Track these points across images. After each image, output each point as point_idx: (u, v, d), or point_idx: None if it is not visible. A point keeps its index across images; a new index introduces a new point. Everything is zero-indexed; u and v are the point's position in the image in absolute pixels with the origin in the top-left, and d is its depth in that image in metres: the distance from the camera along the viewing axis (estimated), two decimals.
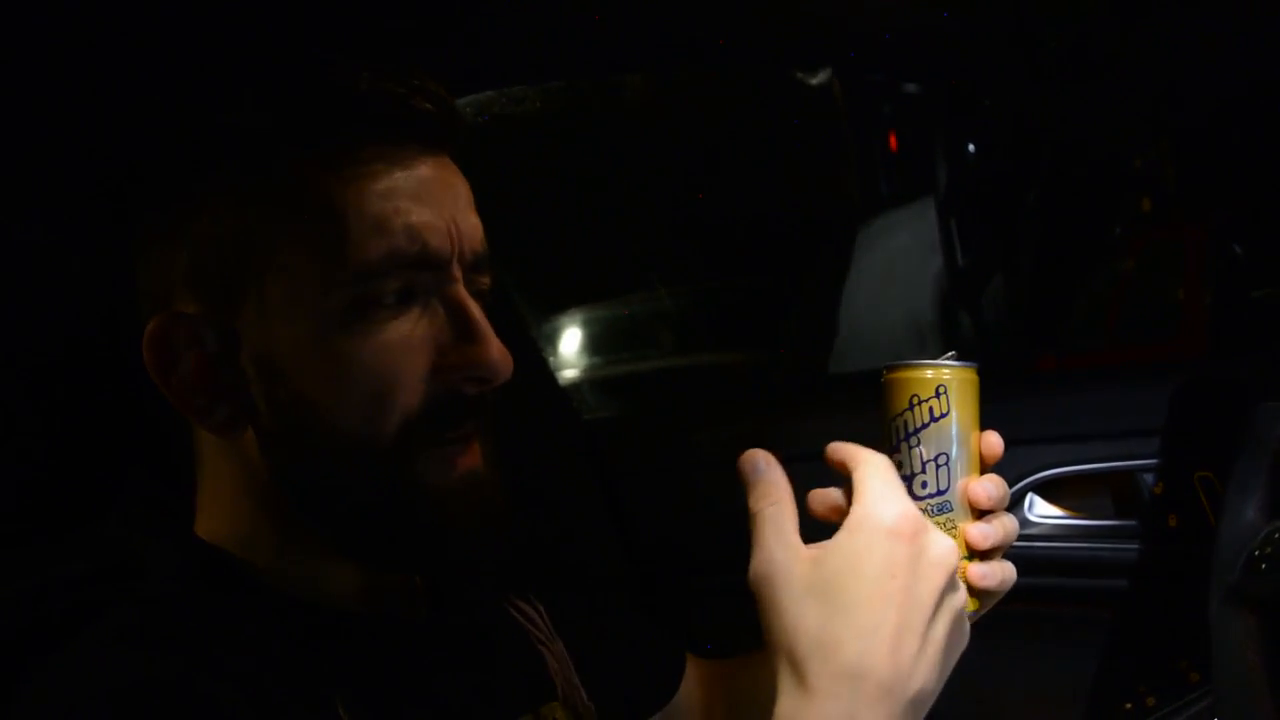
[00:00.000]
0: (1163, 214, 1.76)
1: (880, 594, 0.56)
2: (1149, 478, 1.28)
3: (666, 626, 1.00)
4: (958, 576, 0.60)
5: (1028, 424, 1.25)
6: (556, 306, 2.14)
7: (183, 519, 0.70)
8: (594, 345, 2.18)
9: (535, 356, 1.60)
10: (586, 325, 2.19)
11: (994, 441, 0.68)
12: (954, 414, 0.66)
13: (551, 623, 0.86)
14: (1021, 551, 0.96)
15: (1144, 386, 1.34)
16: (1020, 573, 0.68)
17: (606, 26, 1.24)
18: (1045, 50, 1.53)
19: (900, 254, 1.97)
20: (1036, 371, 1.84)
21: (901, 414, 0.66)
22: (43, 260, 0.82)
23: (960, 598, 0.59)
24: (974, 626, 0.65)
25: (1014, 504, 1.24)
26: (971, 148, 1.90)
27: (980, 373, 0.67)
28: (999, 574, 0.65)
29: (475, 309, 0.67)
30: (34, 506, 0.80)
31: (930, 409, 0.66)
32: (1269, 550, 0.86)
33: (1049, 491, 1.27)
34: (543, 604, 0.87)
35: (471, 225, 0.68)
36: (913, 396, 0.66)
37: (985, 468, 0.68)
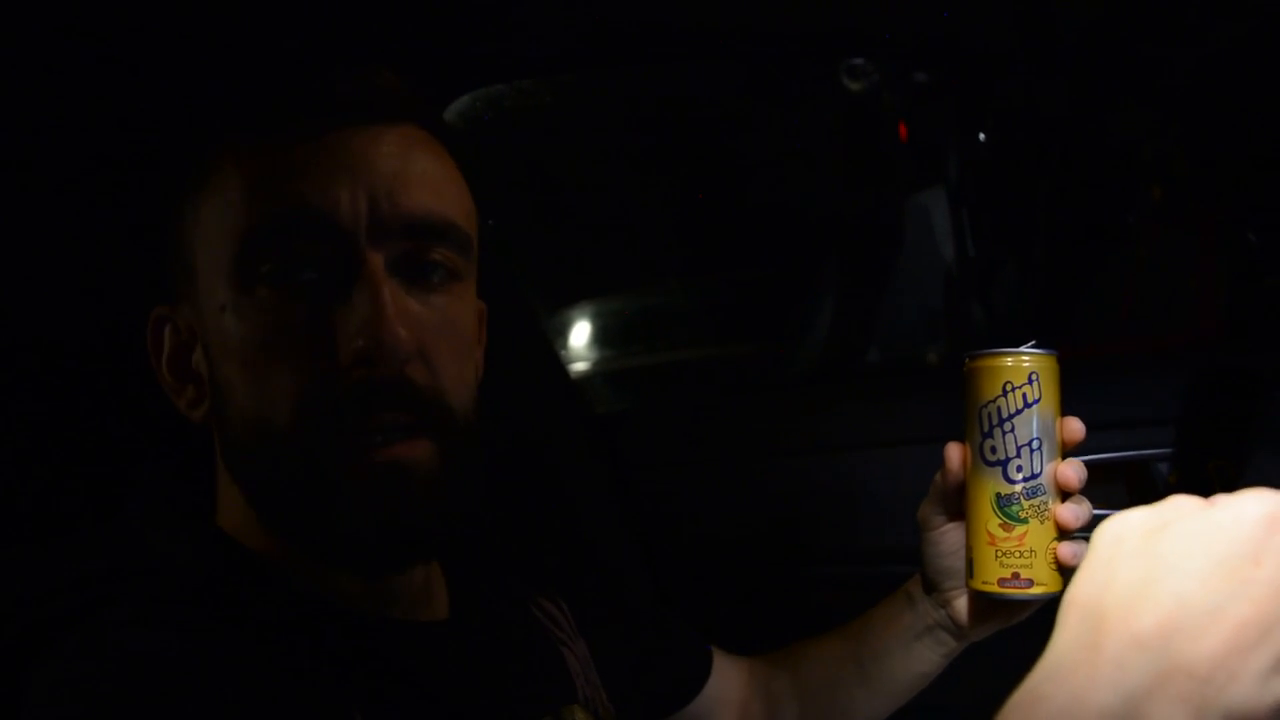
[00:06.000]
0: (1176, 203, 1.75)
1: (1233, 576, 0.45)
2: (1163, 467, 1.28)
3: (690, 623, 1.00)
4: None
5: None
6: (568, 300, 2.14)
7: (202, 512, 0.71)
8: (607, 338, 2.18)
9: (548, 351, 1.60)
10: (599, 318, 2.19)
11: (1076, 426, 0.71)
12: (1045, 399, 0.68)
13: (575, 621, 0.86)
14: None
15: (1158, 376, 1.34)
16: None
17: (612, 19, 1.24)
18: (1057, 39, 1.52)
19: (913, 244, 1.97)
20: None
21: (994, 400, 0.68)
22: (68, 256, 0.83)
23: None
24: None
25: None
26: (983, 137, 1.89)
27: (1060, 360, 0.69)
28: (1084, 552, 0.67)
29: (379, 285, 0.62)
30: (55, 503, 0.81)
31: (1024, 395, 0.67)
32: None
33: None
34: (566, 602, 0.87)
35: (406, 196, 0.64)
36: (1006, 383, 0.68)
37: (1067, 452, 0.71)
